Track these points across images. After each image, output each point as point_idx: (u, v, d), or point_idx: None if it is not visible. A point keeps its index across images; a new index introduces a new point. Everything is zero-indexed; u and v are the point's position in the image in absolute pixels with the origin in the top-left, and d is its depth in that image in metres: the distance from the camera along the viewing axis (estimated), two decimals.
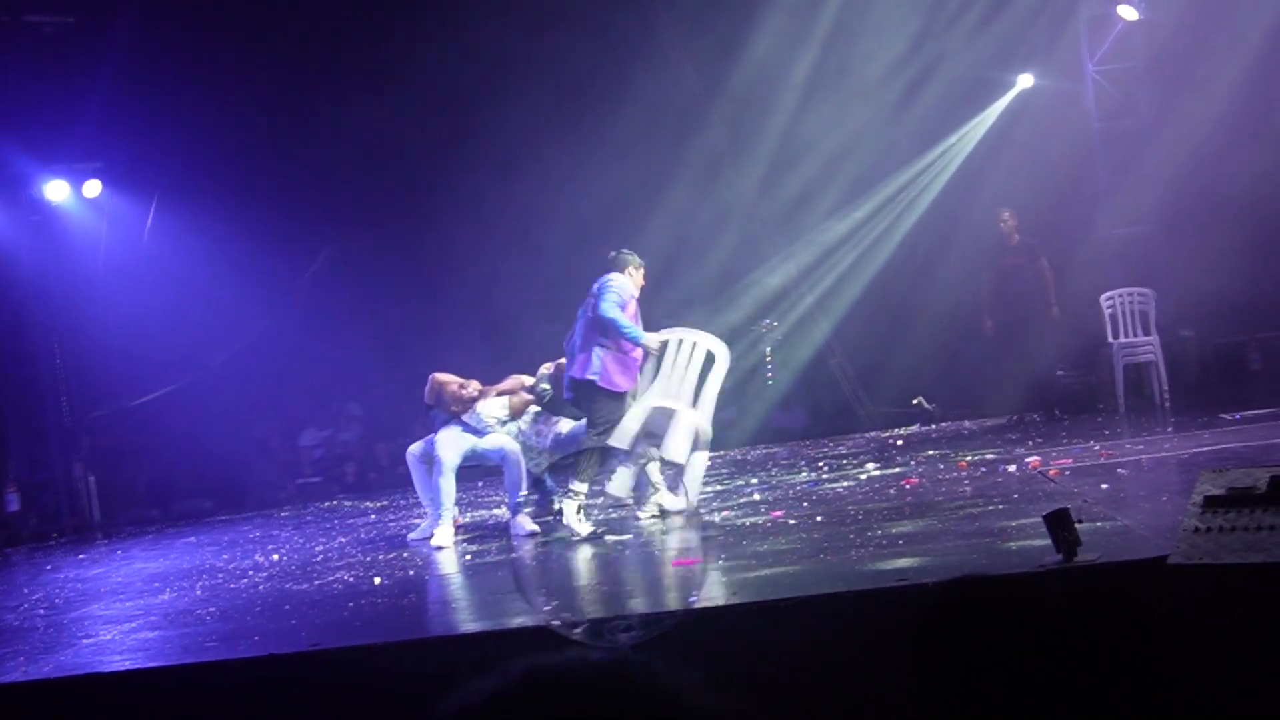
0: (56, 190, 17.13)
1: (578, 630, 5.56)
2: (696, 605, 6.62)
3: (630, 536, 10.27)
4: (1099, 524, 7.65)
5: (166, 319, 17.32)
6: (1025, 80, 17.36)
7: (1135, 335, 15.33)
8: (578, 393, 10.92)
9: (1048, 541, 6.54)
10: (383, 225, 18.41)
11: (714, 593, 7.23)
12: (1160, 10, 15.96)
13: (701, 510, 11.17)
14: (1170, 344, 15.47)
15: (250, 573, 10.69)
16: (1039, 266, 15.35)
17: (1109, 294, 15.43)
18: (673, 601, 7.13)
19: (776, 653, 6.35)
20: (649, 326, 11.01)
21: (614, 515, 11.43)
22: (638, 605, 7.15)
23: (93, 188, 17.32)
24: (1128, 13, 16.18)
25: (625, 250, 11.32)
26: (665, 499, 11.13)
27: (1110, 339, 15.28)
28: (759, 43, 17.05)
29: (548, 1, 16.23)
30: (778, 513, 10.48)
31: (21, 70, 16.65)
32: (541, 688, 1.04)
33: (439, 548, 10.75)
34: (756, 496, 11.84)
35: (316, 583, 9.65)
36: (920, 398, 17.11)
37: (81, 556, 13.98)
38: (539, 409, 11.53)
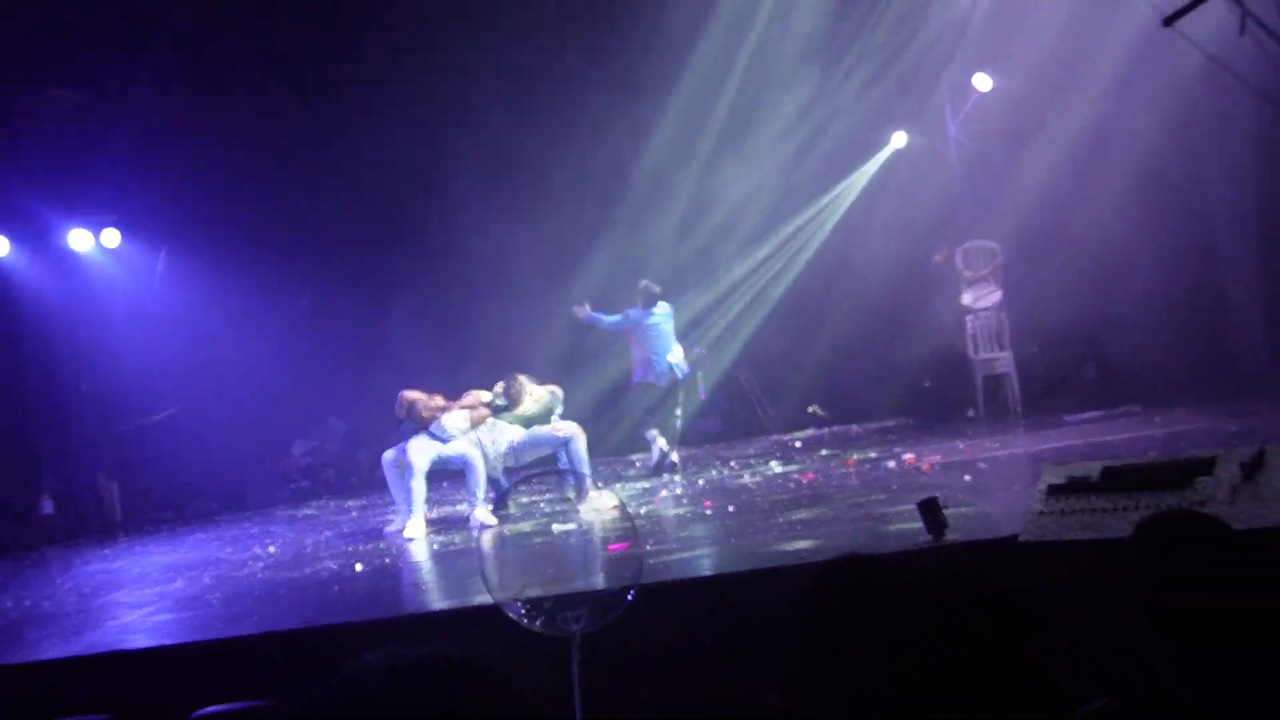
0: (80, 240, 17.05)
1: (529, 615, 5.50)
2: (624, 585, 6.62)
3: (573, 526, 10.28)
4: (963, 509, 7.73)
5: (175, 348, 17.37)
6: (899, 139, 17.48)
7: (992, 351, 15.47)
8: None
9: (921, 524, 6.61)
10: (355, 268, 18.46)
11: (641, 574, 7.24)
12: (1009, 80, 16.17)
13: (632, 503, 11.20)
14: (1021, 358, 15.61)
15: (250, 563, 10.61)
16: None
17: (970, 315, 15.58)
18: (610, 583, 7.13)
19: (695, 624, 6.37)
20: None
21: (558, 509, 11.45)
22: (579, 586, 7.15)
23: (111, 237, 17.25)
24: (982, 83, 16.42)
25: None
26: (600, 498, 11.21)
27: (971, 354, 15.43)
28: (676, 108, 17.13)
29: (497, 78, 16.22)
30: (709, 502, 10.52)
31: (47, 137, 16.68)
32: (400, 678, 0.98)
33: (411, 539, 10.72)
34: (679, 491, 11.86)
35: (307, 570, 9.60)
36: (815, 406, 17.19)
37: (106, 552, 13.84)
38: (494, 420, 11.52)
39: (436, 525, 11.55)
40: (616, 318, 13.63)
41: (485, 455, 11.28)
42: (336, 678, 0.96)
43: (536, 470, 12.24)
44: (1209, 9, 7.41)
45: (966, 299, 15.64)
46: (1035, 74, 15.51)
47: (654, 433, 13.68)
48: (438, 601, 7.71)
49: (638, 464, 14.49)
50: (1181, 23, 7.54)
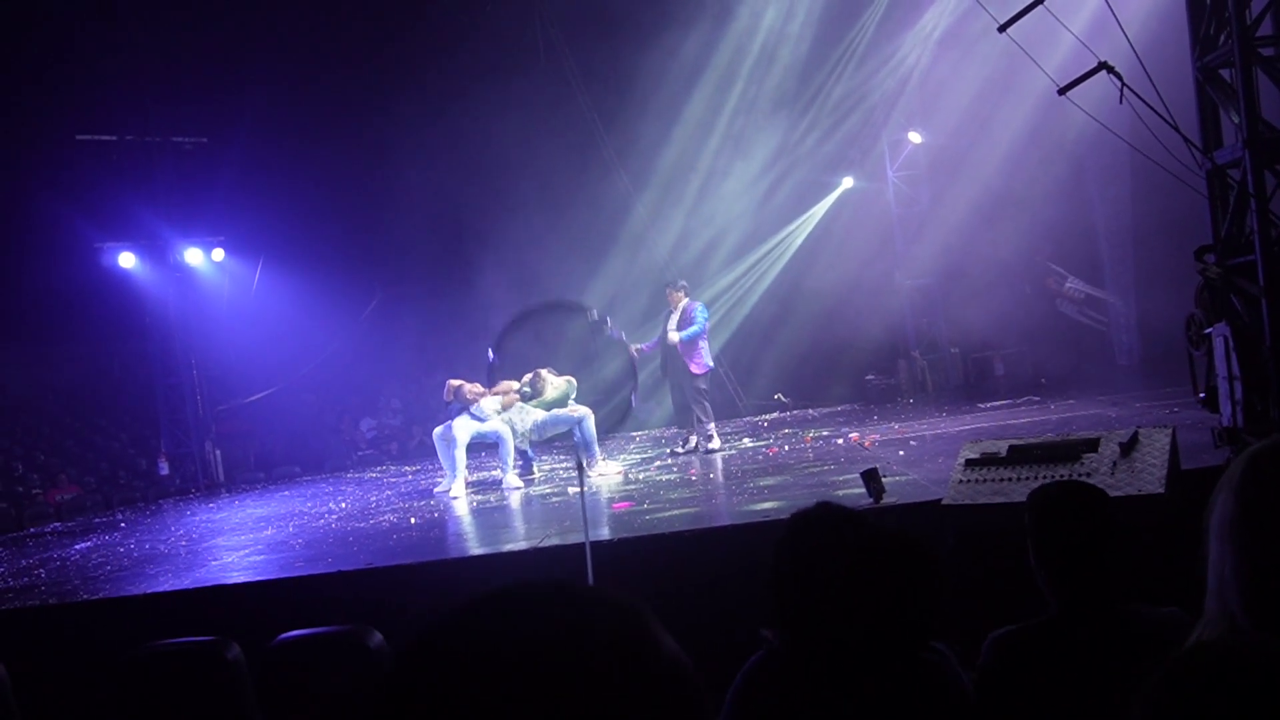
0: (193, 256, 17.08)
1: None
2: (625, 536, 6.62)
3: (586, 488, 10.24)
4: (897, 478, 7.71)
5: (268, 343, 17.54)
6: (847, 181, 17.50)
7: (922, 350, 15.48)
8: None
9: (864, 490, 6.60)
10: (411, 280, 18.63)
11: (639, 527, 7.23)
12: (936, 136, 16.21)
13: (632, 470, 11.20)
14: (944, 356, 15.63)
15: (325, 515, 10.59)
16: None
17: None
18: (614, 533, 7.12)
19: (683, 567, 6.36)
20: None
21: (572, 475, 11.43)
22: (590, 536, 7.13)
23: (218, 254, 17.29)
24: (914, 137, 16.48)
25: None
26: (607, 466, 11.21)
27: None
28: (671, 150, 17.15)
29: (522, 128, 16.18)
30: (694, 470, 10.50)
31: (170, 173, 17.16)
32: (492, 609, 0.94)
33: (454, 498, 10.72)
34: (670, 461, 11.85)
35: (371, 521, 9.58)
36: (779, 394, 17.17)
37: (210, 505, 13.81)
38: (522, 404, 11.50)
39: (474, 487, 11.54)
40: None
41: (514, 431, 11.26)
42: (446, 608, 0.94)
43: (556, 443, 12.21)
44: (1095, 81, 7.40)
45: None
46: (956, 131, 15.55)
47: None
48: (476, 548, 7.69)
49: (637, 437, 14.32)
50: (1073, 92, 7.54)
